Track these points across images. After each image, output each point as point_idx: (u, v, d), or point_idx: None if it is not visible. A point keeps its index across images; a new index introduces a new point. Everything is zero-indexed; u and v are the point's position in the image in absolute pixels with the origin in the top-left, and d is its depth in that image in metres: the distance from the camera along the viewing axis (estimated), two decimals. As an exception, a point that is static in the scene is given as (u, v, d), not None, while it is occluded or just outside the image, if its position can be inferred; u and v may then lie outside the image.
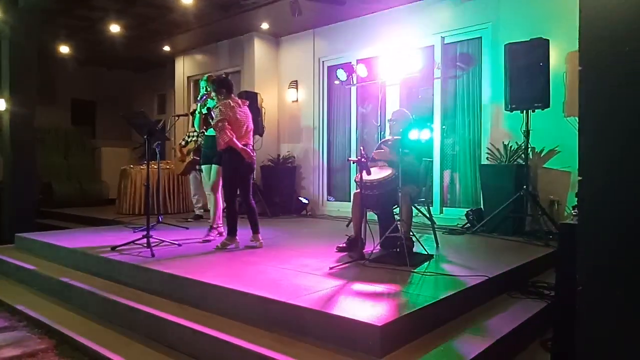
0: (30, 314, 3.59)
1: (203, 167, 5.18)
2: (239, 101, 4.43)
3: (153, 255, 3.90)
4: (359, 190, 3.94)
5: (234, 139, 4.20)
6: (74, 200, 9.42)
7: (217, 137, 4.30)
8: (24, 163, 6.74)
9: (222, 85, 4.41)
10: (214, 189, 4.96)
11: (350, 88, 7.07)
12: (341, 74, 6.31)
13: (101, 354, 2.78)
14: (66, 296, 3.82)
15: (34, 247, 5.05)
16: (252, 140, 4.46)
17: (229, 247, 4.32)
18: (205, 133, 5.05)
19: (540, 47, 4.78)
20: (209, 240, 4.71)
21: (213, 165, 4.90)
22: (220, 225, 4.96)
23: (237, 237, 4.38)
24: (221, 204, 4.95)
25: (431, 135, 6.35)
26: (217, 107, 4.37)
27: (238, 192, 4.37)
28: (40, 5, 6.62)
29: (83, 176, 10.22)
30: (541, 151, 5.31)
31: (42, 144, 9.47)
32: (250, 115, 4.49)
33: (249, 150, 4.30)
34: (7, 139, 6.73)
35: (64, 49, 8.79)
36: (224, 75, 4.62)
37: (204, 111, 4.97)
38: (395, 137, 4.28)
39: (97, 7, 6.83)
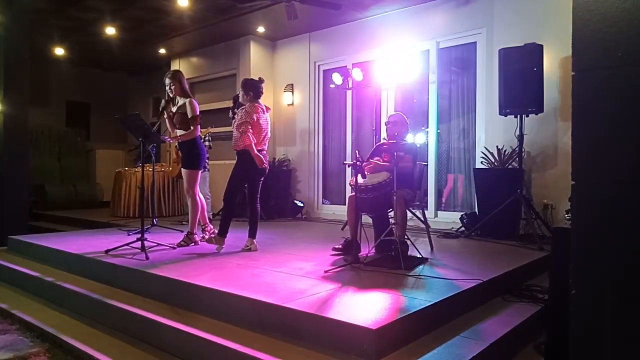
0: (22, 317, 3.56)
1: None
2: (264, 107, 4.49)
3: (147, 259, 3.89)
4: (354, 193, 3.95)
5: (253, 144, 4.26)
6: (68, 202, 9.38)
7: (235, 137, 4.34)
8: (17, 165, 6.69)
9: (251, 88, 4.44)
10: (188, 192, 4.64)
11: (346, 92, 7.09)
12: (337, 78, 6.33)
13: (94, 357, 2.76)
14: (59, 299, 3.79)
15: (26, 249, 5.01)
16: (266, 146, 4.53)
17: (212, 244, 4.32)
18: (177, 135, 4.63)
19: (534, 52, 4.81)
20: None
21: (182, 169, 4.66)
22: (208, 224, 4.92)
23: (224, 240, 4.35)
24: (199, 206, 4.71)
25: (426, 139, 6.43)
26: (242, 108, 4.41)
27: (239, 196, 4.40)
28: (34, 5, 6.60)
29: (77, 178, 10.17)
30: (535, 155, 5.34)
31: (35, 146, 9.44)
32: (269, 122, 4.56)
33: (261, 156, 4.35)
34: (0, 141, 6.67)
35: (59, 51, 8.77)
36: (257, 78, 4.58)
37: (176, 110, 4.59)
38: (391, 141, 4.32)
39: (92, 9, 6.81)
